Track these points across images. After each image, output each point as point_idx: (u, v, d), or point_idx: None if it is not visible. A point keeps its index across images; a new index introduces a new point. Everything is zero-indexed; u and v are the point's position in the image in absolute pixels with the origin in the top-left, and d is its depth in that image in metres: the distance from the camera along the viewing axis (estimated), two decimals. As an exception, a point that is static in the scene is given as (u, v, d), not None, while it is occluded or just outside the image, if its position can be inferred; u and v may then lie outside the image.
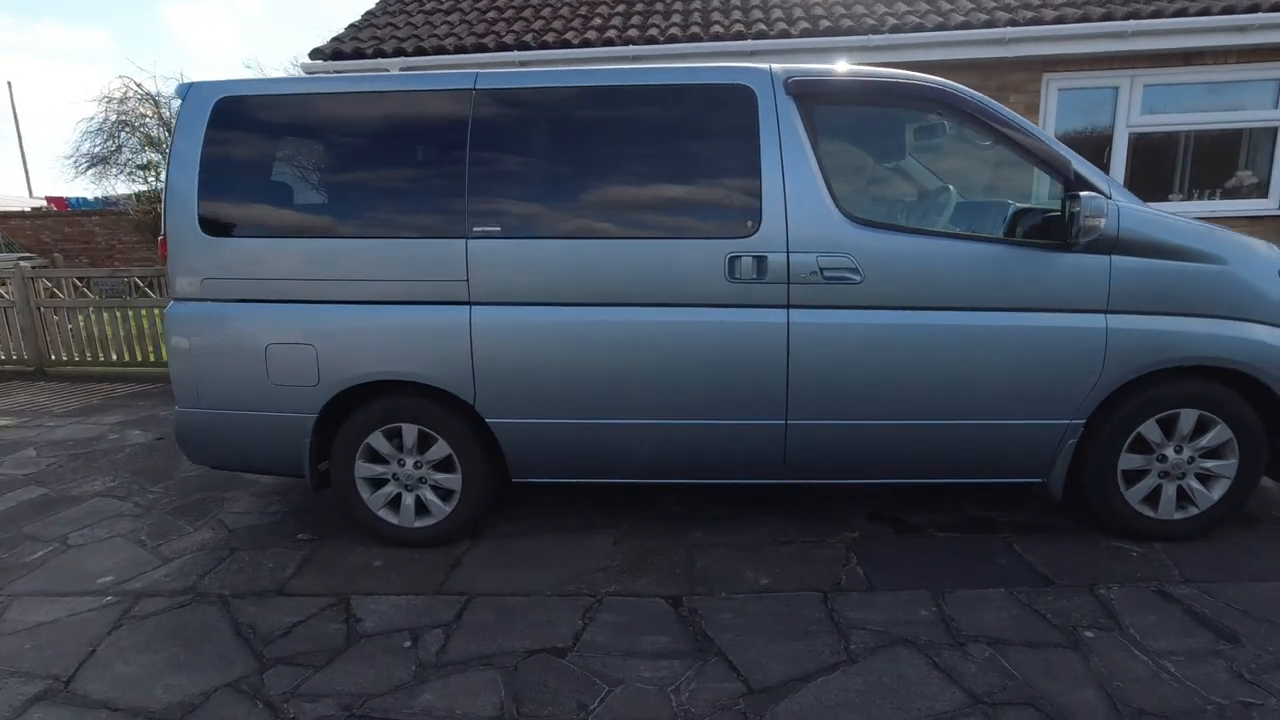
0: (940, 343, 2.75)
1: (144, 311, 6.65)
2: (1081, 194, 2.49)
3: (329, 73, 5.76)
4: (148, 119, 15.97)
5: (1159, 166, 5.87)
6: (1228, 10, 4.99)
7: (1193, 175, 5.80)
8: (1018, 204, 2.96)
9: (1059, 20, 5.18)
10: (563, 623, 2.50)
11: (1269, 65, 5.37)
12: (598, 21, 5.99)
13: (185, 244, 2.92)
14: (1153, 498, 2.89)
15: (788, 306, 2.76)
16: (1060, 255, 2.69)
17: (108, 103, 15.67)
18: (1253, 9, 4.98)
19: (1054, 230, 2.67)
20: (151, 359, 6.67)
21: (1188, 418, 2.79)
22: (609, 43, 5.53)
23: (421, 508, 3.06)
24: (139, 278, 6.73)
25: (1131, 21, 5.06)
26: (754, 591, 2.67)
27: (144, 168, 16.56)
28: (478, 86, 2.83)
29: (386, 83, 2.91)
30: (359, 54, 5.74)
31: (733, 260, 2.73)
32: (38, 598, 2.78)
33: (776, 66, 2.81)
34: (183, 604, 2.70)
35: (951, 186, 3.27)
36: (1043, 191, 5.31)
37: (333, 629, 2.51)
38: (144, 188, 16.43)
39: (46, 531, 3.36)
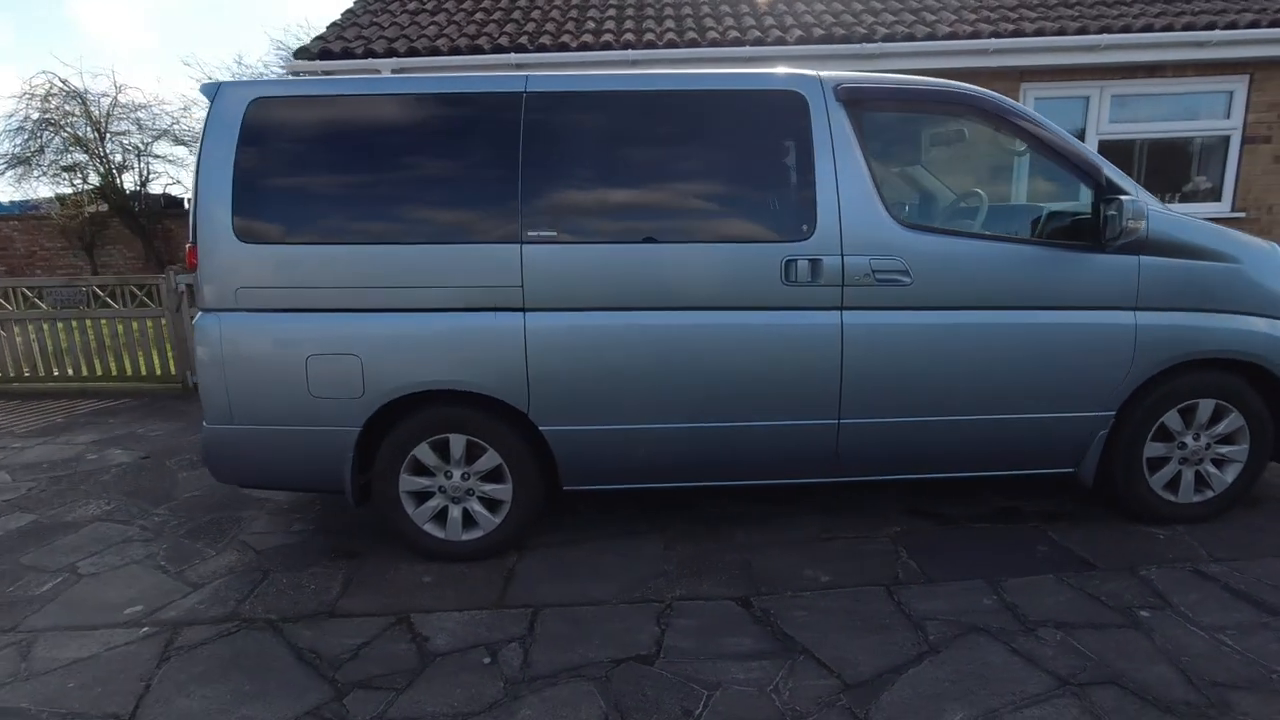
0: (985, 341, 2.86)
1: (104, 323, 6.26)
2: (1124, 198, 2.64)
3: (317, 74, 5.54)
4: (74, 117, 14.95)
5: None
6: (1189, 27, 5.38)
7: (1151, 179, 6.21)
8: (1048, 207, 3.10)
9: (1038, 33, 5.47)
10: (640, 630, 2.49)
11: (1222, 78, 5.83)
12: (591, 25, 5.95)
13: (218, 252, 2.77)
14: (1173, 483, 3.08)
15: (841, 308, 2.83)
16: (1094, 256, 2.84)
17: (29, 100, 14.59)
18: (1209, 27, 5.38)
19: (1088, 231, 2.82)
20: (114, 373, 6.28)
21: (1205, 407, 2.99)
22: (607, 46, 5.50)
23: (469, 520, 2.99)
24: (98, 286, 6.32)
25: (1104, 35, 5.39)
26: (819, 589, 2.72)
27: (69, 169, 15.50)
28: (529, 89, 2.79)
29: (431, 85, 2.83)
30: (348, 54, 5.53)
31: (788, 264, 2.78)
32: (62, 632, 2.58)
33: (824, 74, 2.88)
34: (230, 631, 2.56)
35: (981, 191, 3.41)
36: (1022, 193, 5.60)
37: (401, 649, 2.43)
38: (69, 190, 15.42)
39: (49, 561, 3.12)
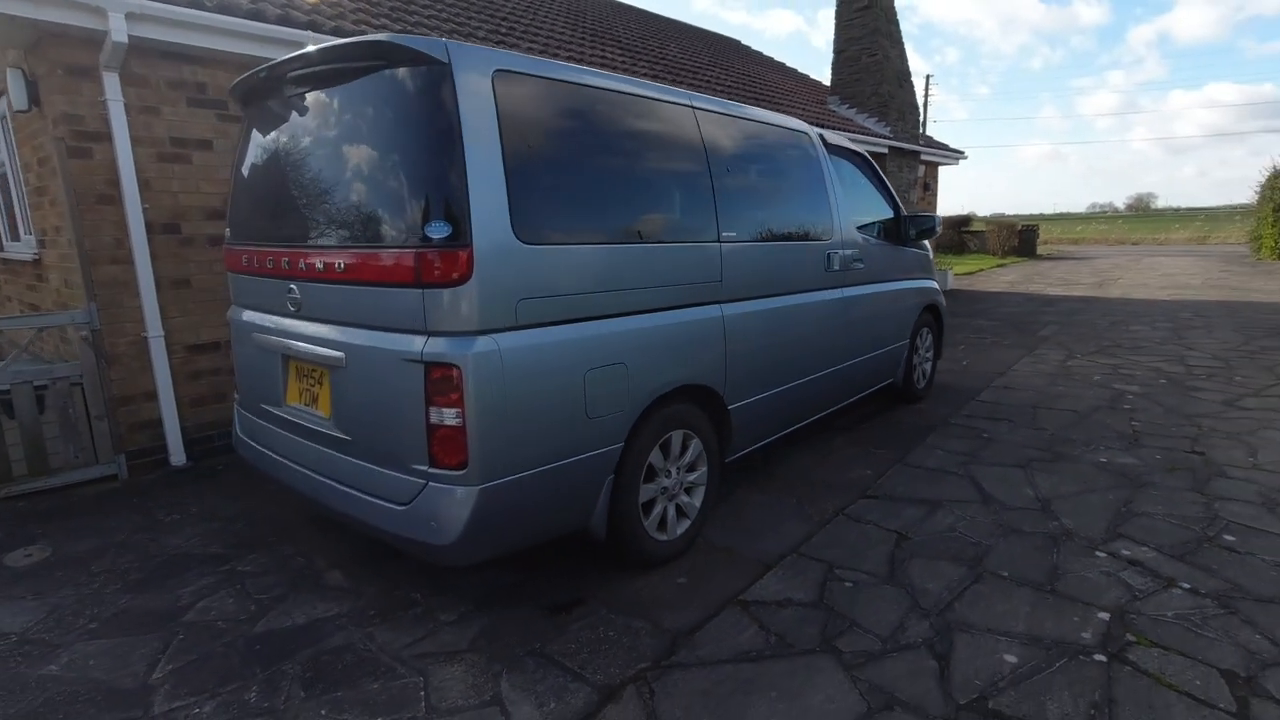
0: (887, 300, 4.57)
1: None
2: (934, 215, 4.70)
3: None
4: None
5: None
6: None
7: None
8: (879, 219, 4.96)
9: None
10: (866, 529, 3.25)
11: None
12: None
13: (498, 258, 2.15)
14: (916, 378, 5.42)
15: (843, 286, 4.08)
16: (904, 248, 4.86)
17: None
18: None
19: (897, 234, 4.81)
20: None
21: (925, 332, 5.41)
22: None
23: (679, 514, 3.05)
24: None
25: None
26: (878, 479, 3.91)
27: None
28: (694, 105, 3.08)
29: (639, 87, 2.79)
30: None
31: (828, 255, 3.88)
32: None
33: (811, 127, 4.05)
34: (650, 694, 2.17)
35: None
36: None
37: (788, 614, 2.59)
38: None
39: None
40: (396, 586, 2.84)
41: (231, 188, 3.08)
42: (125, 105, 3.90)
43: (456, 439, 2.15)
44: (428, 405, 2.16)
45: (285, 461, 2.80)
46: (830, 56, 12.36)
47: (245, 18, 4.08)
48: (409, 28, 5.48)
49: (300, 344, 2.62)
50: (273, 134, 2.72)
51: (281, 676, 2.29)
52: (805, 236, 3.75)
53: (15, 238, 5.53)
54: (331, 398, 2.52)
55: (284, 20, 4.28)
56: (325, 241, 2.43)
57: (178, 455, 4.29)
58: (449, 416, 2.15)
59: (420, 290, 2.14)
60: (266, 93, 2.74)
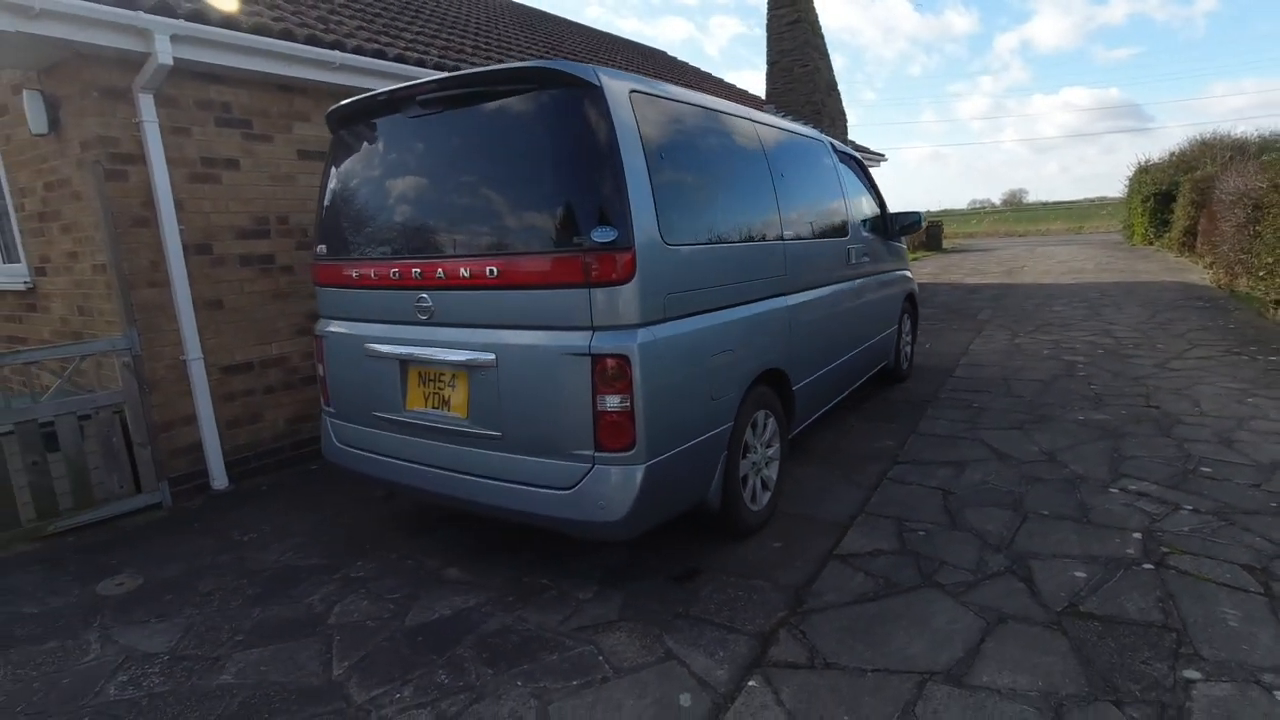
0: (884, 289, 5.09)
1: None
2: (919, 212, 5.24)
3: None
4: None
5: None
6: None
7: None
8: (869, 216, 5.47)
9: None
10: (920, 488, 3.69)
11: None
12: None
13: (652, 256, 2.42)
14: (902, 359, 5.98)
15: (856, 278, 4.54)
16: (890, 242, 5.40)
17: None
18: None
19: (884, 229, 5.34)
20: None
21: (905, 317, 5.97)
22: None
23: (763, 486, 3.37)
24: None
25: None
26: (897, 446, 4.39)
27: None
28: (752, 119, 3.43)
29: (724, 105, 3.14)
30: None
31: (847, 251, 4.33)
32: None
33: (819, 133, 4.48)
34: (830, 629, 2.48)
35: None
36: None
37: (881, 560, 2.97)
38: None
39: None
40: (521, 575, 3.02)
41: (323, 206, 3.16)
42: (159, 126, 3.86)
43: (623, 423, 2.39)
44: (594, 394, 2.39)
45: (405, 463, 2.93)
46: (721, 64, 13.05)
47: (277, 38, 4.10)
48: (409, 45, 5.56)
49: (430, 350, 2.77)
50: (392, 153, 2.86)
51: (460, 659, 2.45)
52: (832, 233, 4.17)
53: (-10, 267, 5.20)
54: (470, 398, 2.69)
55: (312, 40, 4.32)
56: (471, 250, 2.60)
57: (220, 479, 4.23)
58: (615, 403, 2.38)
59: (587, 290, 2.37)
60: (381, 114, 2.87)
